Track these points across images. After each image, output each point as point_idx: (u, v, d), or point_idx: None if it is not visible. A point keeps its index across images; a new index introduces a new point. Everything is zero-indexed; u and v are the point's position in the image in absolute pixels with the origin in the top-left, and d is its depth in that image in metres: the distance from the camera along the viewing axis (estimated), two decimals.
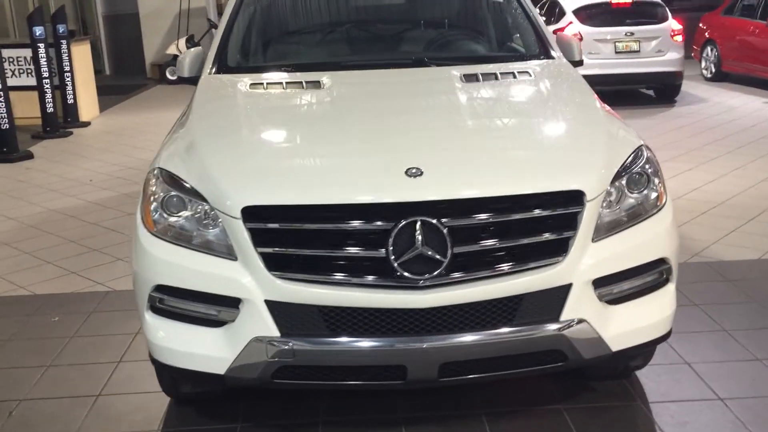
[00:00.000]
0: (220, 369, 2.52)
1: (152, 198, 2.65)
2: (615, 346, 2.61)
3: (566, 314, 2.51)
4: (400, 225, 2.36)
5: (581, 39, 10.22)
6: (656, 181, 2.74)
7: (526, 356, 2.55)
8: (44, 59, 9.30)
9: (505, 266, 2.44)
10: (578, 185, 2.50)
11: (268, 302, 2.44)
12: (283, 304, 2.43)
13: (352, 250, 2.40)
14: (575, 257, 2.49)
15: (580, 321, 2.51)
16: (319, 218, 2.41)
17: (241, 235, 2.44)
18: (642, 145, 2.81)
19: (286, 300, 2.43)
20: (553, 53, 3.70)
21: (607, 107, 3.25)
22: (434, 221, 2.37)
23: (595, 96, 3.24)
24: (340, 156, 2.66)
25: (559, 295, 2.50)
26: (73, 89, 10.05)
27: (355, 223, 2.39)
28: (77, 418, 3.09)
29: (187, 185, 2.59)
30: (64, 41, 9.83)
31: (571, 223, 2.49)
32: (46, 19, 9.78)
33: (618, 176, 2.64)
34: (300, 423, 3.00)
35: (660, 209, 2.71)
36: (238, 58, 3.77)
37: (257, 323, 2.45)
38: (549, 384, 3.20)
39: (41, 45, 9.22)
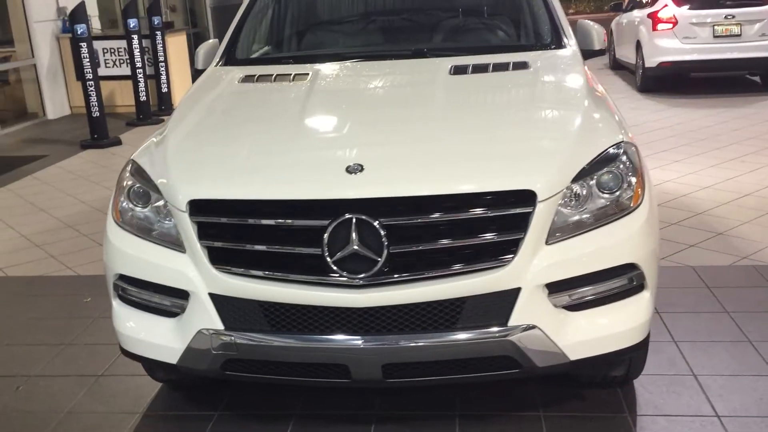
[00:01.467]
0: (173, 359, 2.58)
1: (121, 189, 2.74)
2: (573, 355, 2.47)
3: (515, 319, 2.39)
4: (336, 222, 2.33)
5: (676, 23, 9.68)
6: (632, 180, 2.56)
7: (476, 361, 2.45)
8: (137, 50, 9.76)
9: (447, 268, 2.36)
10: (528, 185, 2.37)
11: (212, 295, 2.47)
12: (226, 297, 2.46)
13: (291, 246, 2.39)
14: (524, 260, 2.37)
15: (530, 327, 2.39)
16: (260, 213, 2.41)
17: (187, 228, 2.48)
18: (620, 142, 2.62)
19: (228, 294, 2.45)
20: (565, 42, 3.52)
21: (609, 102, 3.06)
22: (369, 219, 2.32)
23: (590, 88, 3.06)
24: (289, 151, 2.64)
25: (506, 299, 2.38)
26: (168, 79, 10.51)
27: (293, 220, 2.38)
28: (73, 397, 3.25)
29: (150, 178, 2.66)
30: (158, 33, 10.29)
31: (519, 224, 2.36)
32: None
33: (583, 174, 2.49)
34: (275, 415, 3.03)
35: (632, 211, 2.53)
36: (248, 50, 3.82)
37: (203, 316, 2.49)
38: (534, 389, 3.07)
39: (135, 36, 9.68)
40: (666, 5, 9.99)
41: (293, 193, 2.40)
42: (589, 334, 2.49)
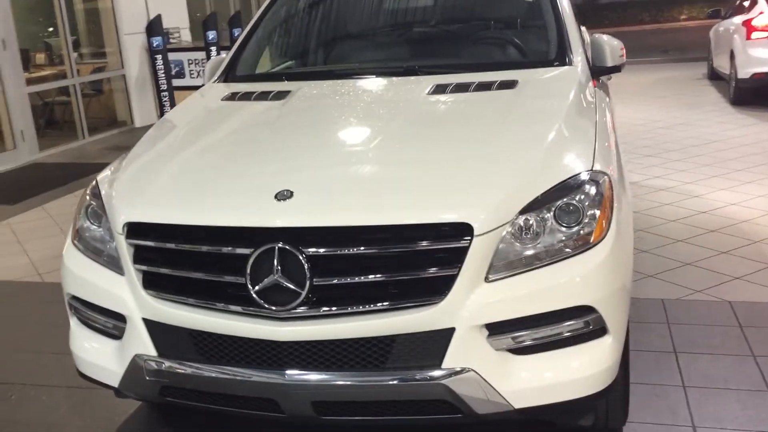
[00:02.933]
0: (114, 382, 2.55)
1: (79, 208, 2.75)
2: (518, 403, 2.26)
3: (448, 362, 2.21)
4: (259, 251, 2.23)
5: None
6: (595, 213, 2.32)
7: (411, 404, 2.29)
8: None
9: (375, 303, 2.20)
10: (463, 217, 2.18)
11: (145, 320, 2.43)
12: (158, 323, 2.41)
13: (217, 274, 2.31)
14: (458, 298, 2.18)
15: (466, 371, 2.21)
16: (188, 239, 2.35)
17: (124, 251, 2.45)
18: (584, 172, 2.39)
19: (159, 320, 2.40)
20: (572, 59, 3.28)
21: (602, 126, 2.80)
22: (292, 249, 2.20)
23: (576, 110, 2.82)
24: (225, 177, 2.56)
25: (439, 339, 2.21)
26: None
27: (219, 247, 2.30)
28: (57, 409, 3.30)
29: (102, 199, 2.65)
30: None
31: (454, 259, 2.18)
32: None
33: (536, 206, 2.28)
34: None
35: (590, 248, 2.29)
36: (251, 66, 3.78)
37: (137, 341, 2.45)
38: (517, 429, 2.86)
39: (213, 48, 9.94)
40: (762, 12, 9.31)
41: (219, 219, 2.32)
42: (536, 380, 2.27)
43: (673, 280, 4.25)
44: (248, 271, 2.23)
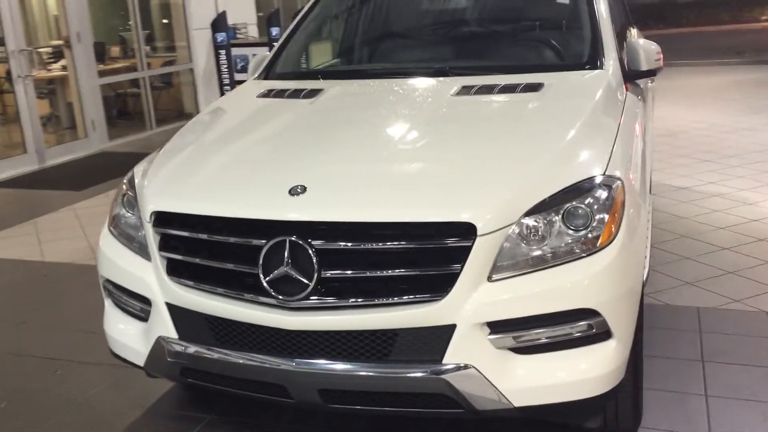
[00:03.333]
0: (140, 362, 2.70)
1: (117, 195, 2.91)
2: (518, 401, 2.31)
3: (449, 357, 2.27)
4: (271, 243, 2.33)
5: None
6: (603, 217, 2.34)
7: (414, 396, 2.36)
8: None
9: (379, 297, 2.28)
10: (467, 217, 2.24)
11: (168, 305, 2.56)
12: (179, 308, 2.54)
13: (233, 264, 2.42)
14: (461, 296, 2.24)
15: (466, 367, 2.26)
16: (209, 229, 2.47)
17: (151, 238, 2.59)
18: (596, 176, 2.41)
19: (180, 305, 2.53)
20: (604, 62, 3.28)
21: (627, 132, 2.80)
22: (302, 242, 2.30)
23: (600, 114, 2.83)
24: (246, 171, 2.68)
25: (441, 335, 2.27)
26: None
27: (236, 238, 2.42)
28: (98, 385, 3.49)
29: (136, 188, 2.81)
30: None
31: (457, 258, 2.24)
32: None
33: (543, 208, 2.31)
34: (264, 426, 3.08)
35: (596, 251, 2.31)
36: (294, 63, 3.89)
37: (161, 324, 2.59)
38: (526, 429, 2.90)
39: (275, 44, 10.15)
40: None
41: (236, 211, 2.43)
42: (537, 380, 2.31)
43: (712, 288, 4.18)
44: (261, 261, 2.34)
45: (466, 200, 2.31)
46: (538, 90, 3.03)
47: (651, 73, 3.38)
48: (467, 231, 2.24)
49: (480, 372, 2.27)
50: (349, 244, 2.30)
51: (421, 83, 3.37)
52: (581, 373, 2.33)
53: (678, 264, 4.56)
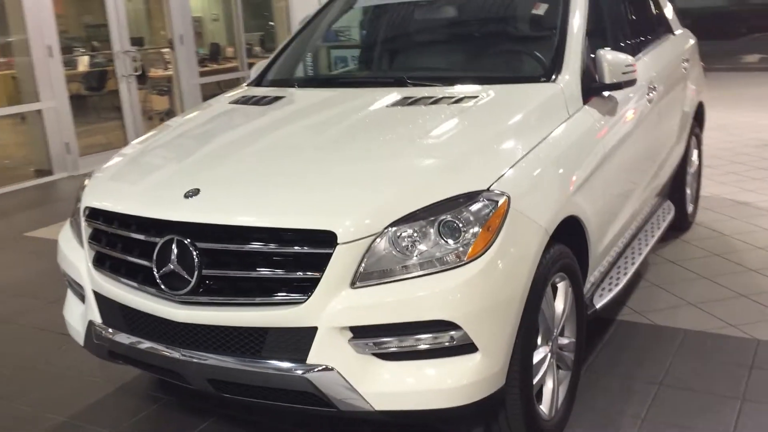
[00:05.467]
0: (81, 342, 2.99)
1: (77, 191, 3.22)
2: (379, 404, 2.38)
3: (312, 358, 2.38)
4: (162, 241, 2.54)
5: None
6: (475, 231, 2.36)
7: (288, 392, 2.48)
8: None
9: (251, 296, 2.43)
10: (328, 225, 2.33)
11: (94, 292, 2.83)
12: (101, 296, 2.80)
13: (137, 258, 2.65)
14: (321, 300, 2.34)
15: (327, 368, 2.36)
16: (122, 225, 2.73)
17: (83, 231, 2.88)
18: (474, 191, 2.42)
19: (102, 293, 2.79)
20: (559, 75, 3.20)
21: (545, 150, 2.77)
22: (185, 241, 2.49)
23: (522, 132, 2.82)
24: (162, 172, 2.90)
25: (304, 336, 2.38)
26: None
27: (138, 235, 2.65)
28: (94, 360, 3.79)
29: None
30: None
31: (319, 264, 2.34)
32: None
33: (412, 219, 2.36)
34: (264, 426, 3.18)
35: (461, 265, 2.33)
36: (287, 71, 4.08)
37: (91, 309, 2.86)
38: None
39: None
40: None
41: (142, 210, 2.66)
42: (398, 386, 2.37)
43: (712, 310, 3.97)
44: (155, 257, 2.56)
45: (331, 209, 2.41)
46: (467, 102, 3.05)
47: (616, 87, 3.28)
48: (329, 238, 2.34)
49: (340, 374, 2.36)
50: (228, 246, 2.46)
51: (370, 93, 3.45)
52: (441, 383, 2.36)
53: (691, 283, 4.36)
